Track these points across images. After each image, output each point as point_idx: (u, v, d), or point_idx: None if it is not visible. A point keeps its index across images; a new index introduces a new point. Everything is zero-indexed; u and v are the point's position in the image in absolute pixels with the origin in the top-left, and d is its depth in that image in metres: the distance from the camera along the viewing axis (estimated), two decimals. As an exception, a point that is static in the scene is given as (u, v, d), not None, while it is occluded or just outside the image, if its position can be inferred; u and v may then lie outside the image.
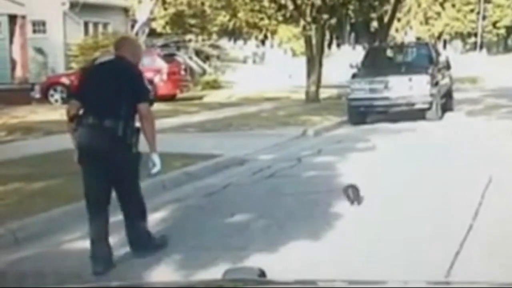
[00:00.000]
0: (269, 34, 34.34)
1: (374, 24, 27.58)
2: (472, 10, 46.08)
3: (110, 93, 5.46)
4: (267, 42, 43.44)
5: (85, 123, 5.47)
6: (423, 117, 15.05)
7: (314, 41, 21.17)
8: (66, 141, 12.91)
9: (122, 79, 5.54)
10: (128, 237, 5.68)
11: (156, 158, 5.58)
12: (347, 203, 7.12)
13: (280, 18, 22.53)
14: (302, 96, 21.56)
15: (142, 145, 5.63)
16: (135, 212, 5.67)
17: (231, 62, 36.83)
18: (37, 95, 22.10)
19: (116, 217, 5.77)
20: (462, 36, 48.42)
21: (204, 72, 31.11)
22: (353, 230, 6.31)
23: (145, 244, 5.68)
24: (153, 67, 21.39)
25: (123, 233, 5.77)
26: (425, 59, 16.51)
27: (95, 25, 26.73)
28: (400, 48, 19.83)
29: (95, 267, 5.33)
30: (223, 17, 26.95)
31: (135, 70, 5.71)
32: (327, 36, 26.57)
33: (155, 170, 5.63)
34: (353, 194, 7.17)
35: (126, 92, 5.46)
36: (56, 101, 21.74)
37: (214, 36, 33.36)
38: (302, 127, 13.98)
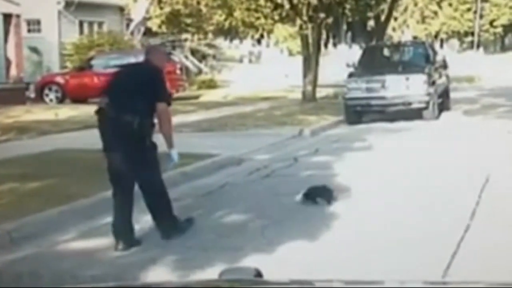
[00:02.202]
0: (265, 33, 34.30)
1: (371, 23, 27.58)
2: (469, 9, 46.19)
3: (131, 90, 6.00)
4: (263, 41, 43.46)
5: (107, 115, 5.98)
6: (420, 117, 15.02)
7: (310, 40, 21.14)
8: (60, 141, 12.89)
9: (144, 79, 6.07)
10: (156, 225, 6.10)
11: (173, 153, 6.15)
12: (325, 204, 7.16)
13: (276, 17, 22.48)
14: (299, 95, 21.54)
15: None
16: (159, 203, 6.06)
17: (227, 61, 36.84)
18: (32, 95, 22.03)
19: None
20: (459, 35, 48.52)
21: (200, 72, 31.09)
22: (350, 229, 6.29)
23: (172, 227, 6.05)
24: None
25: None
26: (422, 58, 16.48)
27: (90, 24, 26.68)
28: (397, 47, 19.79)
29: (117, 245, 5.85)
30: (219, 16, 26.88)
31: (158, 73, 6.20)
32: (324, 35, 26.53)
33: (171, 164, 6.29)
34: (324, 196, 7.21)
35: (146, 90, 5.97)
36: (51, 100, 21.67)
37: (210, 35, 33.32)
38: (298, 127, 13.95)
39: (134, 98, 5.91)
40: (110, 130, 5.96)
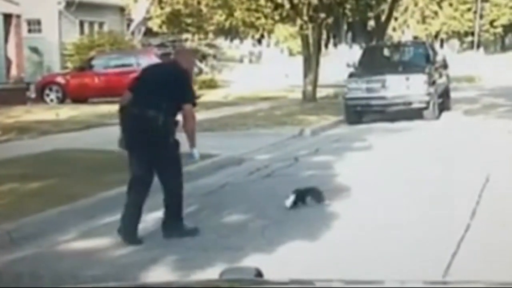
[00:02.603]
0: (265, 33, 34.28)
1: (371, 23, 27.56)
2: (469, 9, 46.13)
3: (157, 89, 6.14)
4: (264, 41, 43.46)
5: (131, 112, 6.09)
6: (420, 117, 15.02)
7: (311, 40, 21.14)
8: (61, 141, 12.88)
9: (171, 79, 6.23)
10: (162, 222, 6.23)
11: (195, 152, 6.34)
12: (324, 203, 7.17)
13: (277, 17, 22.49)
14: (299, 95, 21.54)
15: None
16: (171, 201, 6.19)
17: (228, 61, 36.81)
18: (33, 95, 22.02)
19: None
20: (459, 35, 48.48)
21: (200, 72, 31.03)
22: (350, 229, 6.29)
23: (176, 228, 6.13)
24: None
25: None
26: (422, 58, 16.49)
27: (91, 24, 26.67)
28: (397, 47, 19.79)
29: (120, 233, 6.01)
30: (219, 16, 26.87)
31: (185, 74, 6.35)
32: (324, 35, 26.53)
33: (192, 162, 6.58)
34: (314, 197, 7.22)
35: (172, 91, 6.12)
36: (52, 100, 21.66)
37: (211, 35, 33.31)
38: (299, 127, 13.95)
39: (160, 96, 6.03)
40: (133, 127, 6.08)
